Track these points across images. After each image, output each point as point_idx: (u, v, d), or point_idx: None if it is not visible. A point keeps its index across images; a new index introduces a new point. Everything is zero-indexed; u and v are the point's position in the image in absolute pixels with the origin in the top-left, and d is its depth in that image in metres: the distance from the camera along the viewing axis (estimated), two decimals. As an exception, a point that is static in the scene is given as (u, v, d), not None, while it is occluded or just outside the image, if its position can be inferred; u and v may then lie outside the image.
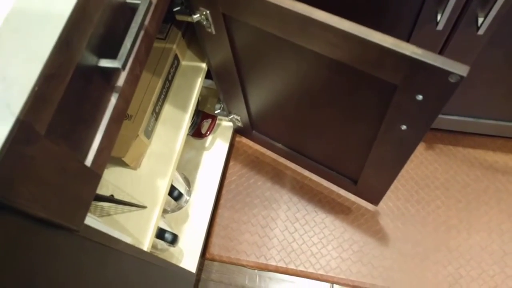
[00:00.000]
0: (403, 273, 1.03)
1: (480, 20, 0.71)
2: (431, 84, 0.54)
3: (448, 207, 1.10)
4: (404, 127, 0.66)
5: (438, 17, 0.73)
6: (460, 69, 0.50)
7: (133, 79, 0.53)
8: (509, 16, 0.71)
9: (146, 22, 0.56)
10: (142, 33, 0.55)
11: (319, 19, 0.55)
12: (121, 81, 0.50)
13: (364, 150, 0.83)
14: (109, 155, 0.49)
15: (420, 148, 1.19)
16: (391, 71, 0.56)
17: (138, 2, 0.50)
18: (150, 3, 0.50)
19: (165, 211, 1.03)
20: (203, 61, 0.97)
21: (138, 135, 0.78)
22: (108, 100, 0.49)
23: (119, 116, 0.49)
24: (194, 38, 0.99)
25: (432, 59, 0.51)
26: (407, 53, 0.52)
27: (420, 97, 0.57)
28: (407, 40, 0.82)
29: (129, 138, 0.78)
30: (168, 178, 0.80)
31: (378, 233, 1.08)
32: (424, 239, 1.07)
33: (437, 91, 0.55)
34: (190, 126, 1.10)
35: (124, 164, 0.79)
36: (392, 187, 1.14)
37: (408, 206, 1.11)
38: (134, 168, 0.81)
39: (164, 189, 0.79)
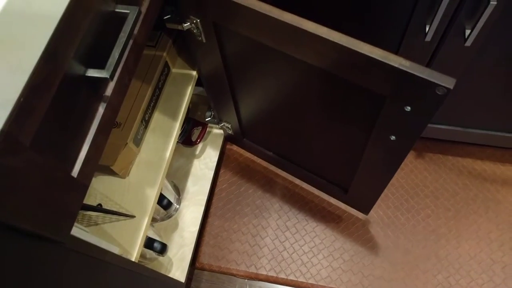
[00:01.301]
0: (393, 282, 1.03)
1: (468, 31, 0.72)
2: (419, 96, 0.54)
3: (437, 216, 1.11)
4: (393, 137, 0.66)
5: (427, 29, 0.74)
6: (446, 81, 0.50)
7: (122, 89, 0.52)
8: (496, 28, 0.73)
9: (135, 31, 0.55)
10: (131, 42, 0.54)
11: (308, 29, 0.56)
12: (109, 91, 0.50)
13: (354, 159, 0.83)
14: (96, 166, 0.48)
15: (410, 156, 1.20)
16: (380, 83, 0.57)
17: (127, 11, 0.50)
18: (139, 12, 0.50)
19: (154, 220, 1.02)
20: (193, 68, 0.96)
21: (127, 143, 0.78)
22: (95, 110, 0.48)
23: (107, 126, 0.49)
24: (184, 45, 0.99)
25: (419, 71, 0.51)
26: (395, 65, 0.52)
27: (408, 108, 0.58)
28: (396, 51, 0.83)
29: (118, 146, 0.77)
30: (157, 186, 0.80)
31: (368, 242, 1.08)
32: (414, 248, 1.07)
33: (425, 103, 0.55)
34: (181, 134, 1.10)
35: (112, 172, 0.78)
36: (382, 195, 1.14)
37: (398, 215, 1.11)
38: (123, 177, 0.80)
39: (153, 198, 0.78)
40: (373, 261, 1.06)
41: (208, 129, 1.16)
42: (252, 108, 0.93)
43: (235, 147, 1.23)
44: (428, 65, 0.84)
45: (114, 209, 0.74)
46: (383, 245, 1.08)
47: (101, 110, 0.48)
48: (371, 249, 1.07)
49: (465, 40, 0.73)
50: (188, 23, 0.73)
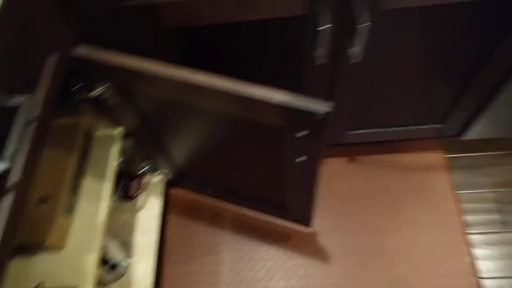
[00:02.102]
0: (350, 286, 1.09)
1: (352, 50, 0.81)
2: (306, 122, 0.61)
3: (377, 213, 1.18)
4: (301, 158, 0.72)
5: (316, 54, 0.81)
6: (323, 107, 0.57)
7: (27, 174, 0.54)
8: (373, 46, 0.82)
9: (36, 113, 0.58)
10: (34, 124, 0.57)
11: (197, 83, 0.61)
12: (13, 179, 0.52)
13: (279, 180, 0.89)
14: (9, 260, 0.50)
15: (343, 162, 1.28)
16: (271, 117, 0.63)
17: (20, 102, 0.53)
18: (34, 100, 0.53)
19: (103, 285, 1.02)
20: (117, 127, 0.99)
21: (57, 217, 0.78)
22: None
23: (16, 215, 0.51)
24: (103, 108, 1.02)
25: (298, 103, 0.58)
26: (277, 100, 0.59)
27: (303, 133, 0.64)
28: (297, 79, 0.90)
29: (48, 221, 0.77)
30: (96, 251, 0.81)
31: (318, 253, 1.13)
32: (361, 248, 1.14)
33: (313, 127, 0.62)
34: (119, 190, 1.11)
35: (48, 247, 0.78)
36: (322, 204, 1.21)
37: (341, 220, 1.18)
38: (60, 249, 0.81)
39: (94, 263, 0.79)
40: (326, 270, 1.11)
41: (146, 178, 1.18)
42: (183, 151, 0.97)
43: (178, 190, 1.25)
44: (329, 85, 0.92)
45: (53, 287, 0.74)
46: (332, 252, 1.13)
47: (7, 201, 0.50)
48: (322, 258, 1.13)
49: (351, 58, 0.82)
50: (97, 91, 0.77)
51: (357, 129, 1.16)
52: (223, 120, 0.72)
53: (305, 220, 1.07)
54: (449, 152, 1.27)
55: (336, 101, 0.98)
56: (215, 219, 1.20)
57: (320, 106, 0.57)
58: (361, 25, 0.72)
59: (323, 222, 1.18)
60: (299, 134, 0.63)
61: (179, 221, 1.21)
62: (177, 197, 1.25)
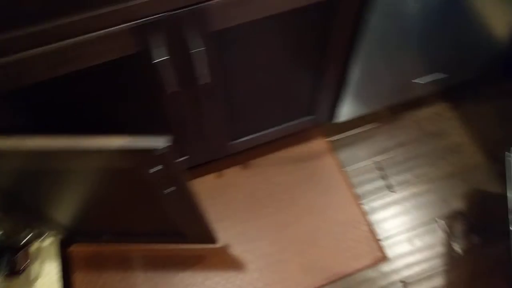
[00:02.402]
0: (269, 287, 1.13)
1: (199, 74, 0.84)
2: (151, 158, 0.62)
3: (277, 210, 1.24)
4: (170, 189, 0.73)
5: (165, 84, 0.83)
6: (161, 142, 0.59)
7: None
8: (221, 63, 0.86)
9: None
10: None
11: (29, 148, 0.59)
12: None
13: (162, 213, 0.89)
14: None
15: (236, 170, 1.31)
16: (120, 162, 0.63)
17: None
18: None
19: None
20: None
21: None
22: None
23: None
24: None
25: (135, 144, 0.59)
26: (115, 146, 0.59)
27: (156, 168, 0.65)
28: (157, 110, 0.91)
29: None
30: None
31: (233, 264, 1.16)
32: (271, 248, 1.18)
33: (163, 160, 0.63)
34: (3, 268, 1.02)
35: None
36: (225, 216, 1.23)
37: (246, 226, 1.22)
38: None
39: None
40: (244, 278, 1.14)
41: (35, 245, 1.10)
42: (64, 210, 0.92)
43: (77, 246, 1.19)
44: (191, 109, 0.94)
45: None
46: (246, 260, 1.16)
47: None
48: (238, 268, 1.15)
49: (199, 79, 0.85)
50: None
51: (239, 138, 1.20)
52: (85, 174, 0.71)
53: (208, 238, 1.08)
54: (329, 136, 1.38)
55: (204, 120, 1.01)
56: (124, 263, 1.17)
57: (158, 142, 0.58)
58: (195, 51, 0.75)
59: (230, 233, 1.21)
60: (152, 170, 0.64)
61: (87, 276, 1.15)
62: (78, 253, 1.18)
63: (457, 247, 1.19)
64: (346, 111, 1.26)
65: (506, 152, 1.11)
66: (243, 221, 1.22)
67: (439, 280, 1.15)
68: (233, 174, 1.31)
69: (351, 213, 1.24)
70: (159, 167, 0.65)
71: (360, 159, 1.34)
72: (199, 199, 1.22)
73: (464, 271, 1.16)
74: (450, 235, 1.21)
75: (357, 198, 1.27)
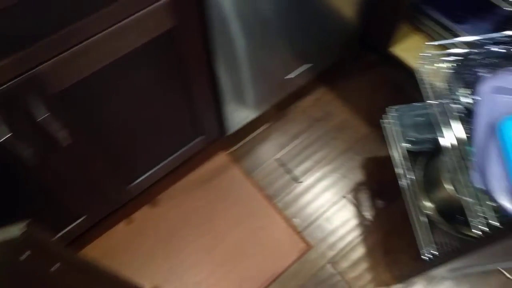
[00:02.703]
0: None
1: (56, 137, 0.80)
2: (13, 248, 0.58)
3: (198, 235, 1.24)
4: (54, 267, 0.69)
5: (23, 159, 0.78)
6: (16, 231, 0.55)
7: None
8: (81, 118, 0.83)
9: None
10: None
11: None
12: None
13: None
14: None
15: (146, 210, 1.28)
16: None
17: None
18: None
19: None
20: None
21: None
22: None
23: None
24: None
25: (-12, 241, 0.54)
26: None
27: (27, 253, 0.61)
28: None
29: None
30: None
31: (167, 306, 1.13)
32: (202, 274, 1.18)
33: (27, 245, 0.59)
34: None
35: None
36: (151, 261, 1.20)
37: (173, 263, 1.20)
38: None
39: None
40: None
41: None
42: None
43: None
44: (65, 172, 0.90)
45: None
46: (178, 297, 1.15)
47: None
48: (173, 308, 1.13)
49: (61, 143, 0.81)
50: None
51: (137, 179, 1.17)
52: None
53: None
54: (227, 149, 1.41)
55: (88, 176, 0.97)
56: None
57: (13, 232, 0.55)
58: (42, 118, 0.72)
59: (159, 275, 1.18)
60: (22, 258, 0.60)
61: None
62: None
63: (368, 215, 1.29)
64: (234, 121, 1.29)
65: (381, 119, 1.22)
66: (167, 257, 1.20)
67: (361, 249, 1.23)
68: (143, 215, 1.28)
69: (268, 215, 1.28)
70: (28, 253, 0.61)
71: (262, 161, 1.38)
72: (112, 254, 1.17)
73: (379, 233, 1.25)
74: (358, 206, 1.30)
75: (270, 198, 1.31)
